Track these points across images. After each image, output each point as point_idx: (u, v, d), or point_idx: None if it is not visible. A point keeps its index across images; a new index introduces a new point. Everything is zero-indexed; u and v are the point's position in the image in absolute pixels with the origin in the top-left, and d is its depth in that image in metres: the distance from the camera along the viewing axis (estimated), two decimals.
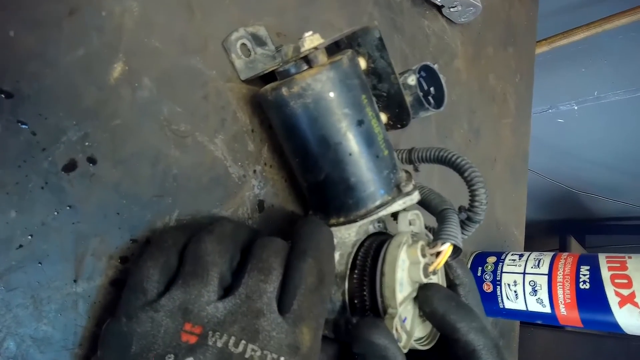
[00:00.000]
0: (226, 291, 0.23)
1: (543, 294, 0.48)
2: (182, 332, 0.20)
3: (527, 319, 0.51)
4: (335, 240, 0.30)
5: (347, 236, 0.30)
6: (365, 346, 0.24)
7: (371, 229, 0.31)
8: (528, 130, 0.73)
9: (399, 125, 0.35)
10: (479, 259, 0.55)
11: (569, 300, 0.46)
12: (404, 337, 0.26)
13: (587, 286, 0.46)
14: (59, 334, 0.23)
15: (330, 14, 0.41)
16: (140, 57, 0.27)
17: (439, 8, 0.55)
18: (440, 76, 0.36)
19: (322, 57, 0.28)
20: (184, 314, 0.21)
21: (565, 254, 0.50)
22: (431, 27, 0.54)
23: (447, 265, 0.31)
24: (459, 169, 0.31)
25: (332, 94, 0.28)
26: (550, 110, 1.42)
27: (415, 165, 0.35)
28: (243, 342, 0.20)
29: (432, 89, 0.36)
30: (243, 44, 0.32)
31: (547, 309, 0.48)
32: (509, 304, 0.51)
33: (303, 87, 0.28)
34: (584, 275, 0.46)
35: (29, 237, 0.22)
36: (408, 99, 0.34)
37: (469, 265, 0.55)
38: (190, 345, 0.20)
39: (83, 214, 0.24)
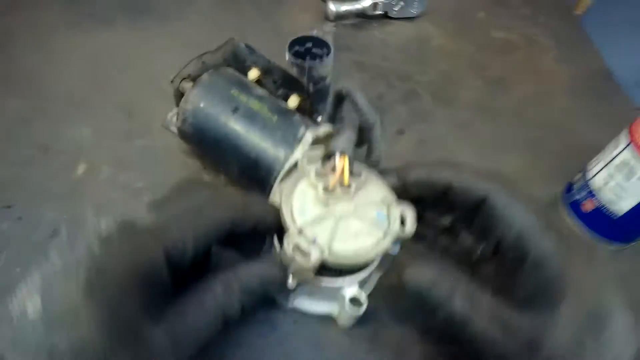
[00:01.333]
0: None
1: (639, 168, 0.37)
2: None
3: None
4: None
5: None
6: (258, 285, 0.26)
7: None
8: (594, 51, 0.63)
9: (307, 96, 0.38)
10: (568, 188, 0.46)
11: None
12: (314, 252, 0.26)
13: None
14: None
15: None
16: (97, 156, 0.40)
17: (383, 15, 0.58)
18: (315, 32, 0.40)
19: (187, 85, 0.36)
20: None
21: None
22: (384, 31, 0.58)
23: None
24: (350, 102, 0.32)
25: (202, 104, 0.35)
26: None
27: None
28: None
29: (324, 49, 0.40)
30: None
31: None
32: (618, 207, 0.40)
33: (183, 112, 0.36)
34: None
35: None
36: (294, 71, 0.38)
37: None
38: None
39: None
